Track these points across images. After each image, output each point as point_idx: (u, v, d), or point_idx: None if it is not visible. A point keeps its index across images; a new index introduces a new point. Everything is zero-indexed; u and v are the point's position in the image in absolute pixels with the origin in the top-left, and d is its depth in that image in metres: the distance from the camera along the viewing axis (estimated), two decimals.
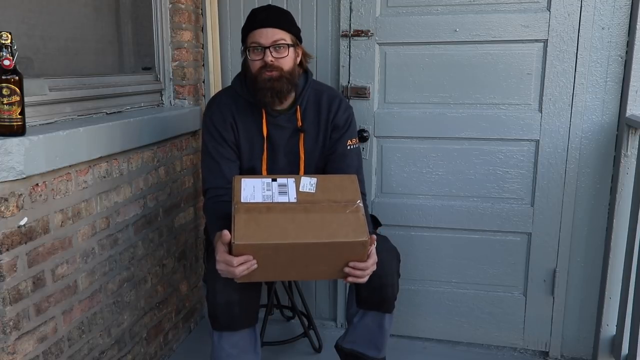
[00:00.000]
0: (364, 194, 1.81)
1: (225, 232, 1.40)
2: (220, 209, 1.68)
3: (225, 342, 1.62)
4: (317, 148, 1.79)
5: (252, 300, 1.61)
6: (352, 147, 1.80)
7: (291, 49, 1.66)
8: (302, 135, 1.76)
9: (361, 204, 1.47)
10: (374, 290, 1.63)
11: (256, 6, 2.23)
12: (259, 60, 1.64)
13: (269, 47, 1.62)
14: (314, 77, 1.84)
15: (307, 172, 1.79)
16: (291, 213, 1.43)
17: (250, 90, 1.72)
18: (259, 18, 1.65)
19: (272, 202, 1.44)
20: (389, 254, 1.66)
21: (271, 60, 1.62)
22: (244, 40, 1.69)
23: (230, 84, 1.85)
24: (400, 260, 1.72)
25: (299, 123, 1.76)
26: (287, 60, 1.65)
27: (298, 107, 1.74)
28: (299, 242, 1.40)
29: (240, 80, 1.77)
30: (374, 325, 1.71)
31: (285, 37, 1.65)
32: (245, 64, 1.76)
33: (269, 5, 1.75)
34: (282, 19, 1.67)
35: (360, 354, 1.76)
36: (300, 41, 1.72)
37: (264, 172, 1.77)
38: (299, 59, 1.72)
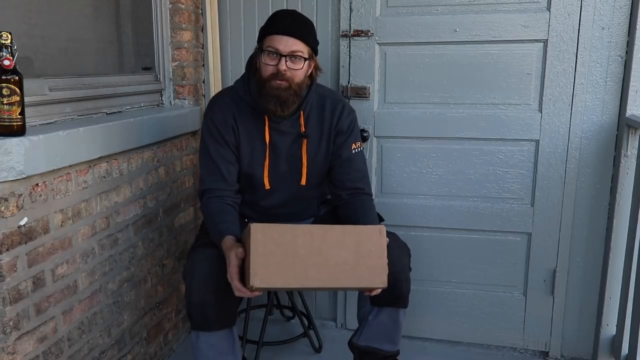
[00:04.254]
0: (370, 195, 1.83)
1: (241, 250, 1.44)
2: (222, 208, 1.68)
3: (202, 343, 1.61)
4: (320, 154, 1.78)
5: (228, 301, 1.57)
6: (356, 150, 1.80)
7: (306, 62, 1.64)
8: (305, 141, 1.75)
9: None
10: (388, 288, 1.63)
11: (256, 6, 2.27)
12: (272, 66, 1.61)
13: (285, 56, 1.60)
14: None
15: (309, 178, 1.78)
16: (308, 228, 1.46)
17: (253, 94, 1.70)
18: (283, 24, 1.60)
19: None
20: (400, 251, 1.66)
21: (285, 70, 1.60)
22: (260, 41, 1.66)
23: (230, 83, 1.84)
24: (410, 255, 1.72)
25: (303, 129, 1.74)
26: (300, 72, 1.63)
27: (302, 112, 1.73)
28: (317, 225, 1.42)
29: (243, 83, 1.74)
30: (390, 321, 1.72)
31: (303, 49, 1.62)
32: (250, 66, 1.73)
33: (293, 11, 1.68)
34: (305, 30, 1.64)
35: (376, 350, 1.76)
36: (316, 54, 1.69)
37: (265, 178, 1.75)
38: (310, 71, 1.69)
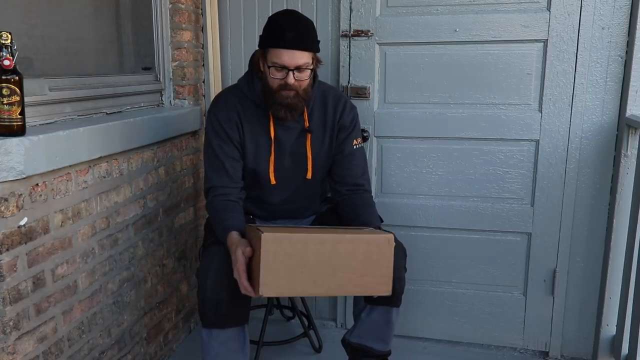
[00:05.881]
0: (369, 192, 1.85)
1: (249, 249, 1.44)
2: (226, 206, 1.69)
3: (214, 340, 1.62)
4: (324, 148, 1.80)
5: (242, 299, 1.59)
6: (357, 146, 1.83)
7: (312, 69, 1.66)
8: (309, 136, 1.77)
9: None
10: None
11: (256, 6, 2.27)
12: (280, 79, 1.63)
13: (292, 70, 1.61)
14: None
15: (314, 172, 1.80)
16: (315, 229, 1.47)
17: (257, 91, 1.72)
18: (288, 37, 1.59)
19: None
20: (395, 250, 1.66)
21: (293, 83, 1.62)
22: (264, 48, 1.65)
23: (230, 83, 1.84)
24: (406, 255, 1.73)
25: (307, 124, 1.76)
26: (307, 81, 1.66)
27: (305, 108, 1.74)
28: (327, 235, 1.41)
29: (247, 81, 1.76)
30: (382, 319, 1.72)
31: (309, 59, 1.63)
32: (252, 65, 1.75)
33: (296, 20, 1.64)
34: (310, 39, 1.64)
35: (368, 348, 1.76)
36: (319, 51, 1.68)
37: (271, 173, 1.77)
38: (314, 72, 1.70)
